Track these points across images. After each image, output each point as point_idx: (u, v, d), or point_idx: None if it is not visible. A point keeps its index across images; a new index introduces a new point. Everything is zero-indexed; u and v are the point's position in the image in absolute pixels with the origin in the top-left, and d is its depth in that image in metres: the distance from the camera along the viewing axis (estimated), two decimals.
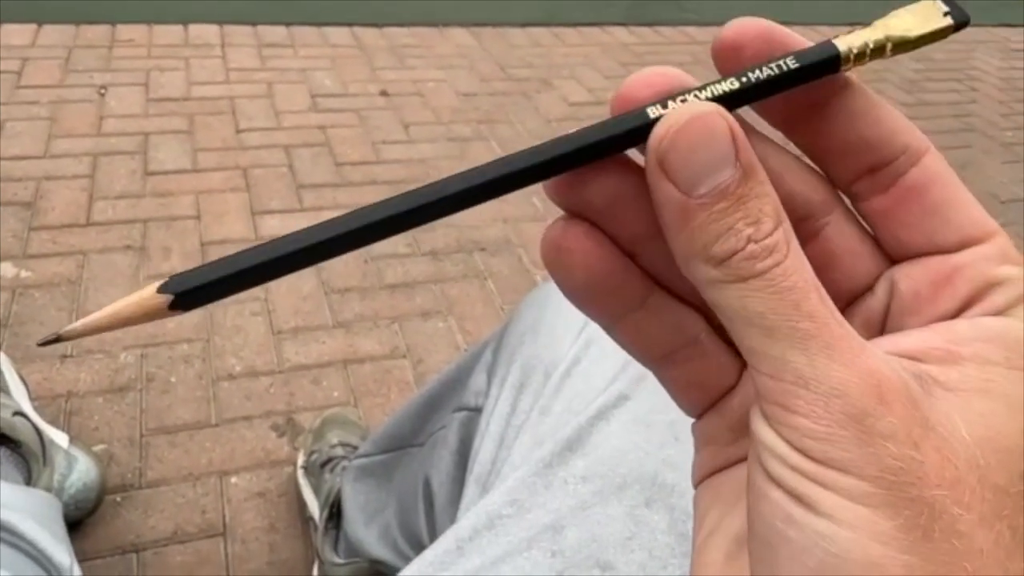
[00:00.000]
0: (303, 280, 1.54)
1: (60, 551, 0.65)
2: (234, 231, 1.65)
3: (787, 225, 0.17)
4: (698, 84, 0.20)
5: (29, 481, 0.94)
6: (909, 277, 0.20)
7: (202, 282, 0.19)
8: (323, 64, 2.40)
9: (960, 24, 0.20)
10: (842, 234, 0.21)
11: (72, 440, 1.08)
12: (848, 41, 0.20)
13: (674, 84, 0.20)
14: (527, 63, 2.62)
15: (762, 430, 0.17)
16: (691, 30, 3.12)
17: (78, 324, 0.19)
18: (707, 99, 0.19)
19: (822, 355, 0.16)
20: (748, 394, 0.22)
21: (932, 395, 0.16)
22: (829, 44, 0.20)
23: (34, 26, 2.36)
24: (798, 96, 0.20)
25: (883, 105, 0.20)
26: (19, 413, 0.95)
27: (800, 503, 0.16)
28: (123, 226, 1.62)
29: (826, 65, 0.20)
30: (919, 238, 0.20)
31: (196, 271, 0.19)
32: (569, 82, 2.53)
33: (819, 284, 0.17)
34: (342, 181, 1.86)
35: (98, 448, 1.17)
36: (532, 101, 2.37)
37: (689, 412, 0.24)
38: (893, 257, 0.21)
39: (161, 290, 0.19)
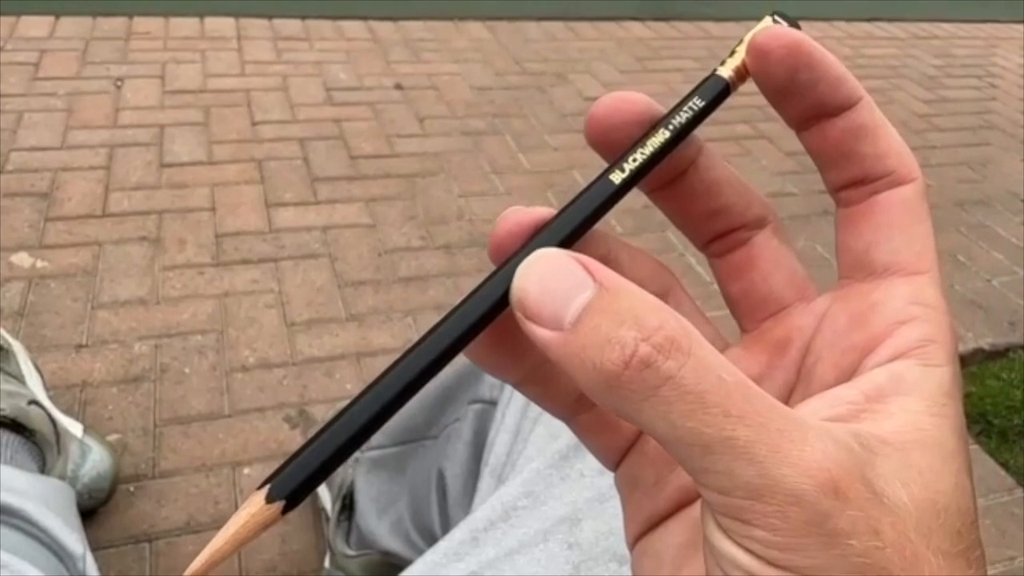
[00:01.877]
0: (317, 272, 1.55)
1: (73, 539, 0.65)
2: (248, 223, 1.65)
3: (681, 320, 0.16)
4: (664, 111, 0.22)
5: (43, 470, 0.94)
6: (834, 308, 0.21)
7: (303, 479, 0.19)
8: (338, 57, 2.39)
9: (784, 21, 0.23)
10: (771, 247, 0.22)
11: (86, 429, 1.09)
12: (727, 68, 0.22)
13: (640, 110, 0.21)
14: (542, 57, 2.61)
15: (721, 543, 0.16)
16: (708, 25, 3.10)
17: (202, 557, 0.17)
18: (652, 152, 0.21)
19: (769, 461, 0.15)
20: None
21: (874, 452, 0.16)
22: (716, 76, 0.22)
23: (52, 18, 2.37)
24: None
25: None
26: (34, 402, 0.96)
27: None
28: (138, 217, 1.62)
29: (723, 94, 0.22)
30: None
31: (292, 470, 0.19)
32: (584, 76, 2.52)
33: (739, 373, 0.16)
34: (356, 174, 1.86)
35: (112, 438, 1.17)
36: (547, 95, 2.37)
37: (608, 461, 0.23)
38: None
39: (269, 500, 0.18)
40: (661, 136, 0.21)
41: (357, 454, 1.02)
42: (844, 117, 0.21)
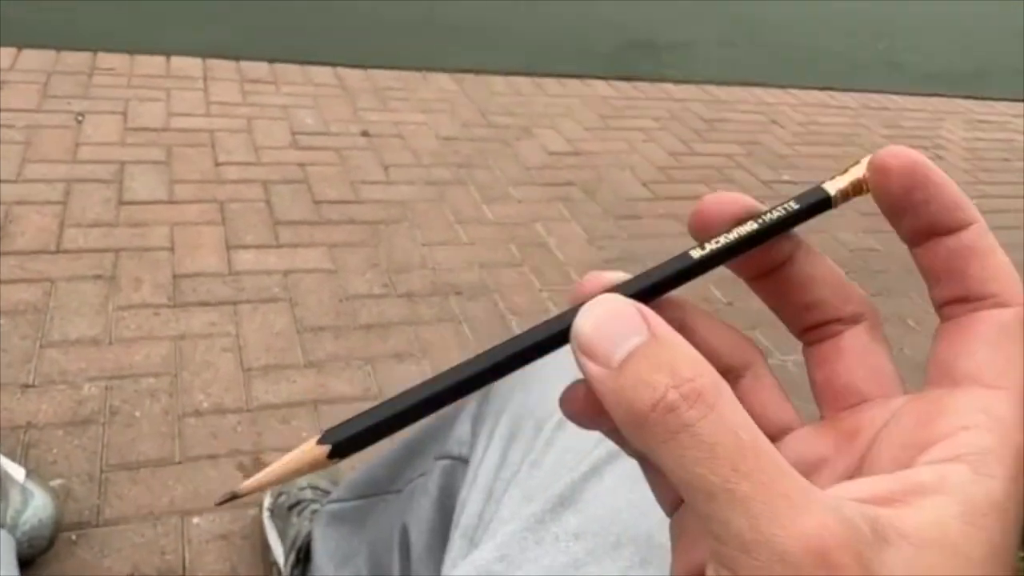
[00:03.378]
0: (276, 316, 1.52)
1: None
2: (208, 264, 1.63)
3: (715, 378, 0.17)
4: (765, 208, 0.24)
5: None
6: (906, 406, 0.21)
7: (353, 433, 0.22)
8: (305, 102, 2.40)
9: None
10: (861, 343, 0.23)
11: (29, 474, 1.05)
12: (834, 183, 0.24)
13: (742, 207, 0.23)
14: (508, 111, 2.65)
15: None
16: (668, 86, 3.18)
17: (253, 481, 0.21)
18: (736, 238, 0.23)
19: (764, 518, 0.16)
20: None
21: (886, 540, 0.16)
22: (819, 188, 0.24)
23: (14, 50, 2.34)
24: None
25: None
26: None
27: None
28: (94, 255, 1.59)
29: (822, 205, 0.23)
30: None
31: (349, 423, 0.22)
32: (548, 131, 2.56)
33: (760, 434, 0.17)
34: (320, 219, 1.85)
35: (55, 483, 1.13)
36: (512, 148, 2.40)
37: (665, 505, 0.24)
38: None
39: (320, 442, 0.22)
40: (749, 227, 0.23)
41: (313, 505, 1.00)
42: (955, 237, 0.22)
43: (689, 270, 0.23)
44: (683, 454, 0.16)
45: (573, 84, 3.00)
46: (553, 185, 2.23)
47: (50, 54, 2.37)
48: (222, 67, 2.51)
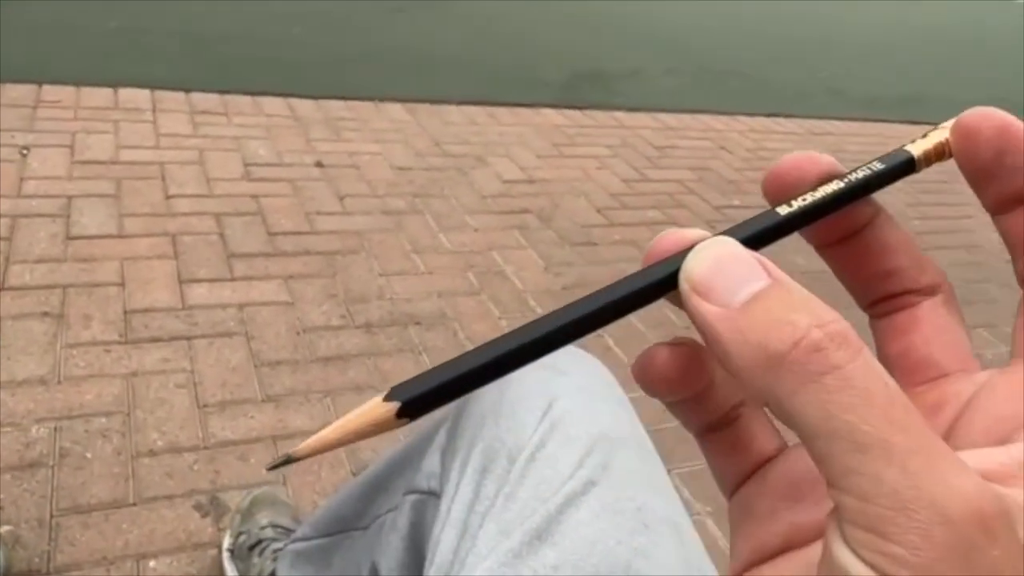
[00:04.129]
0: (231, 351, 1.50)
1: None
2: (160, 299, 1.59)
3: (853, 332, 0.16)
4: (844, 169, 0.23)
5: None
6: (995, 379, 0.20)
7: (426, 389, 0.19)
8: (258, 133, 2.38)
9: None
10: (938, 314, 0.22)
11: None
12: (916, 146, 0.23)
13: (824, 169, 0.22)
14: (462, 140, 2.66)
15: (844, 556, 0.15)
16: (619, 114, 3.23)
17: (311, 441, 0.19)
18: (822, 197, 0.21)
19: (924, 474, 0.14)
20: (791, 464, 0.22)
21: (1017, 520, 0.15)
22: (903, 150, 0.23)
23: None
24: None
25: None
26: None
27: None
28: (41, 292, 1.55)
29: (906, 166, 0.22)
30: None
31: (419, 378, 0.19)
32: (503, 160, 2.57)
33: (906, 399, 0.15)
34: (275, 251, 1.83)
35: (3, 530, 1.09)
36: (467, 177, 2.40)
37: (728, 484, 0.23)
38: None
39: (387, 398, 0.19)
40: (834, 186, 0.22)
41: (275, 544, 0.98)
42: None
43: (777, 227, 0.21)
44: (829, 399, 0.15)
45: (525, 113, 3.03)
46: (509, 213, 2.24)
47: None
48: (172, 98, 2.48)
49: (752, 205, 2.64)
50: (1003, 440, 0.18)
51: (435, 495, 0.59)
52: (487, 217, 2.18)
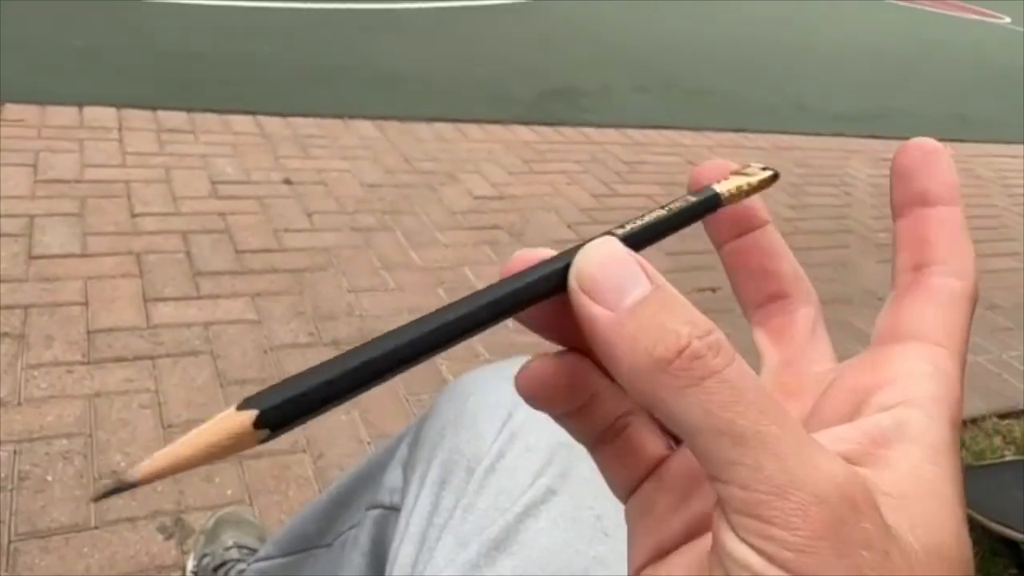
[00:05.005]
0: (197, 370, 1.48)
1: None
2: (124, 319, 1.57)
3: (725, 341, 0.18)
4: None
5: None
6: (852, 361, 0.22)
7: (285, 397, 0.17)
8: (225, 151, 2.36)
9: (775, 175, 0.27)
10: (812, 322, 0.25)
11: None
12: (724, 186, 0.26)
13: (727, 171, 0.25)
14: (432, 156, 2.67)
15: (732, 544, 0.16)
16: (589, 130, 3.25)
17: (156, 459, 0.16)
18: (648, 222, 0.23)
19: (796, 459, 0.16)
20: (687, 459, 0.22)
21: (890, 505, 0.17)
22: (710, 188, 0.25)
23: None
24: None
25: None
26: None
27: None
28: (1, 312, 1.52)
29: (712, 202, 0.25)
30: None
31: (280, 385, 0.17)
32: (473, 176, 2.58)
33: (773, 396, 0.17)
34: (242, 269, 1.81)
35: None
36: (437, 193, 2.40)
37: (623, 489, 0.24)
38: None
39: (242, 407, 0.16)
40: (658, 213, 0.24)
41: (240, 565, 0.96)
42: (936, 209, 0.22)
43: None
44: (709, 399, 0.16)
45: (495, 129, 3.04)
46: (479, 229, 2.24)
47: None
48: (138, 117, 2.46)
49: None
50: (856, 408, 0.20)
51: (397, 509, 0.58)
52: (458, 233, 2.18)
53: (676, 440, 0.23)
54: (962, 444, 1.72)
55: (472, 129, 2.99)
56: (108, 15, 3.55)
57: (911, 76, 6.03)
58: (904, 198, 0.23)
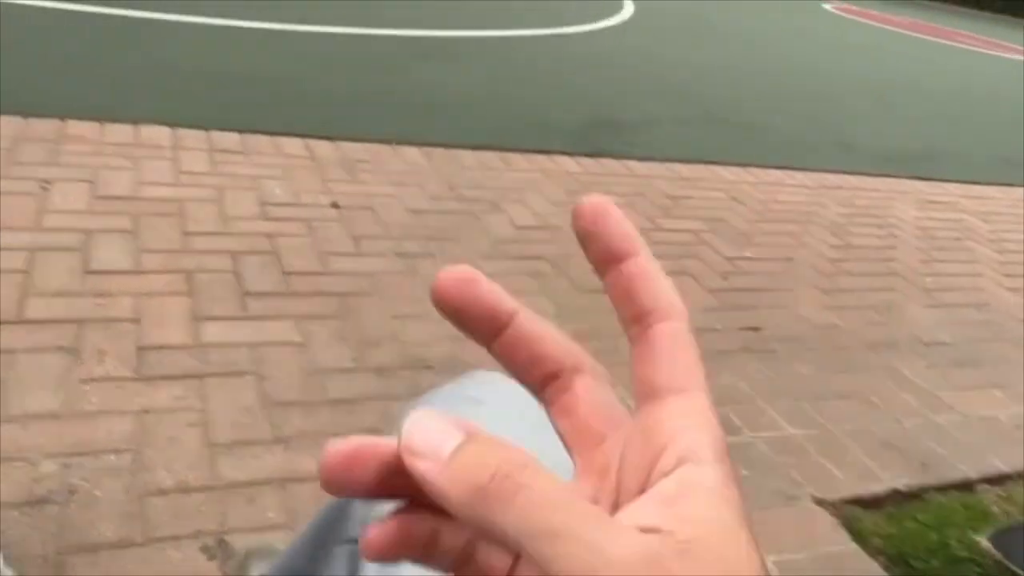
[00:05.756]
0: (243, 391, 1.50)
1: None
2: (174, 336, 1.60)
3: (530, 457, 0.21)
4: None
5: None
6: (632, 432, 0.25)
7: None
8: (275, 173, 2.41)
9: None
10: (591, 391, 0.27)
11: (5, 558, 1.00)
12: None
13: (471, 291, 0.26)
14: (476, 184, 2.69)
15: None
16: (632, 163, 3.25)
17: None
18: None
19: (601, 544, 0.19)
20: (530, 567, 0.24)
21: (681, 553, 0.20)
22: None
23: None
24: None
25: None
26: None
27: None
28: (57, 325, 1.55)
29: None
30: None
31: None
32: (516, 205, 2.59)
33: (571, 491, 0.21)
34: (288, 291, 1.84)
35: (7, 573, 1.08)
36: (481, 222, 2.42)
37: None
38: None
39: None
40: None
41: None
42: (628, 263, 0.26)
43: None
44: (524, 507, 0.19)
45: (539, 159, 3.06)
46: (522, 259, 2.25)
47: (17, 120, 2.35)
48: (192, 136, 2.51)
49: (765, 257, 2.65)
50: (645, 485, 0.23)
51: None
52: (501, 263, 2.19)
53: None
54: (1009, 499, 1.68)
55: (516, 158, 3.01)
56: (165, 36, 3.65)
57: (957, 116, 5.96)
58: (598, 259, 0.26)
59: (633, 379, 0.25)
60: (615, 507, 0.24)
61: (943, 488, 1.68)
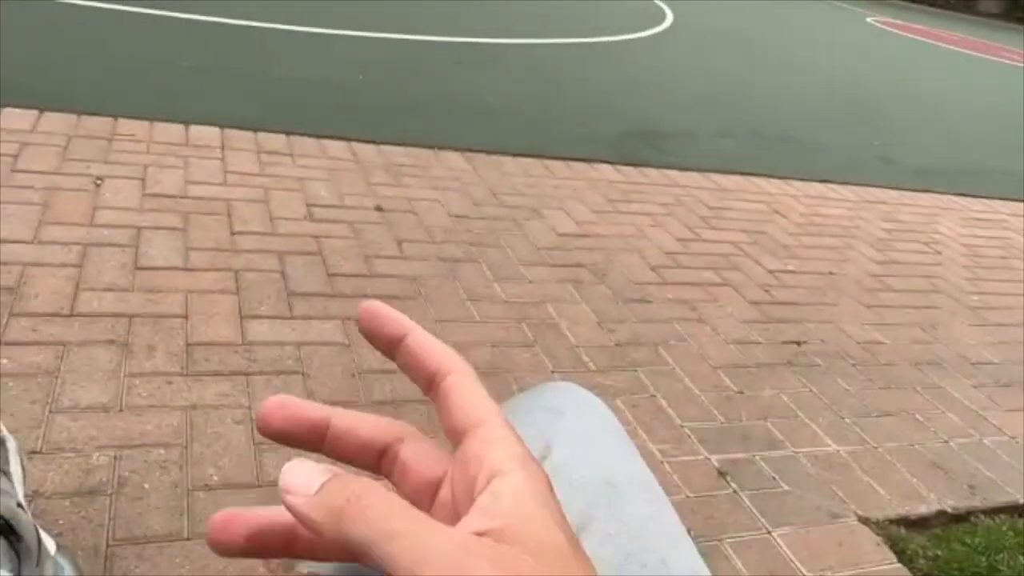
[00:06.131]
0: (288, 389, 1.51)
1: None
2: (221, 334, 1.62)
3: (376, 487, 0.25)
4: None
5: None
6: (453, 471, 0.29)
7: None
8: (320, 175, 2.43)
9: None
10: (416, 451, 0.31)
11: (60, 548, 1.02)
12: None
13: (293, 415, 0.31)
14: (518, 191, 2.69)
15: None
16: (673, 173, 3.24)
17: None
18: None
19: (425, 543, 0.23)
20: None
21: (499, 542, 0.24)
22: None
23: (36, 112, 2.38)
24: (387, 340, 0.32)
25: (427, 341, 0.32)
26: (21, 505, 0.90)
27: None
28: (108, 320, 1.58)
29: None
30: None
31: None
32: (558, 213, 2.59)
33: (409, 506, 0.25)
34: (333, 292, 1.85)
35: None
36: (522, 228, 2.42)
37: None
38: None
39: None
40: None
41: None
42: (406, 343, 0.31)
43: None
44: (371, 519, 0.24)
45: (580, 167, 3.05)
46: (563, 266, 2.25)
47: (71, 118, 2.40)
48: (240, 137, 2.54)
49: (805, 271, 2.62)
50: (469, 506, 0.27)
51: None
52: (542, 269, 2.19)
53: None
54: None
55: (558, 165, 3.01)
56: (215, 39, 3.71)
57: (1003, 133, 5.86)
58: (384, 348, 0.32)
59: (443, 430, 0.30)
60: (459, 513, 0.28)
61: (992, 511, 1.65)
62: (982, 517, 1.62)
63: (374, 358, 1.66)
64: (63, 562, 0.98)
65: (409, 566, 0.23)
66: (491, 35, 5.10)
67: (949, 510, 1.62)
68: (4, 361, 1.42)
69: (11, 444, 1.05)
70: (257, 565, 1.17)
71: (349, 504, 0.24)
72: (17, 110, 2.36)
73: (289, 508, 0.26)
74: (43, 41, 3.15)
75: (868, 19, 11.88)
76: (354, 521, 0.24)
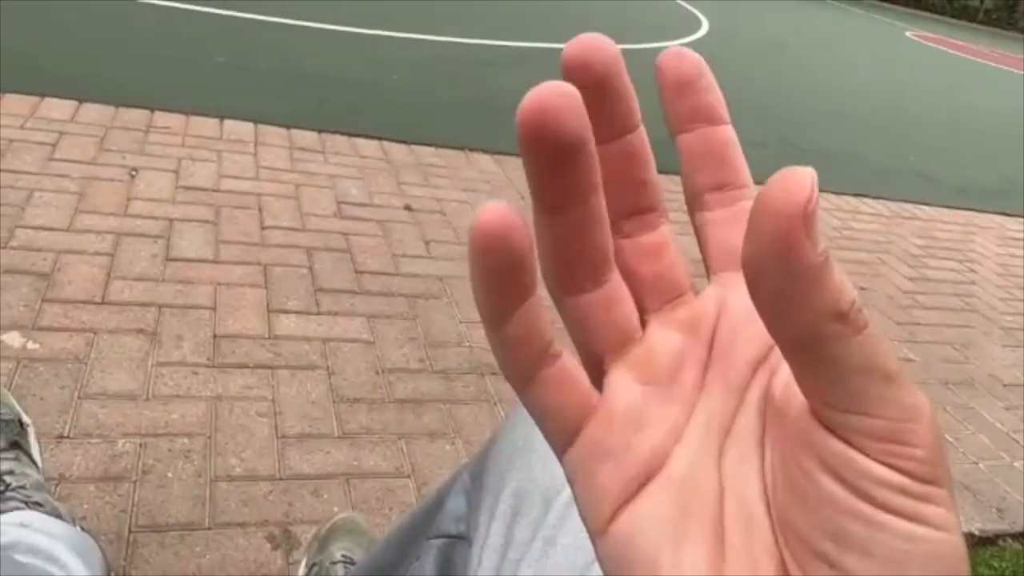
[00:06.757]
0: (313, 384, 1.52)
1: None
2: (248, 327, 1.63)
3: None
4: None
5: None
6: (730, 298, 0.24)
7: None
8: (351, 173, 2.44)
9: None
10: (672, 238, 0.25)
11: (83, 531, 1.03)
12: None
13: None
14: None
15: (873, 467, 0.19)
16: None
17: None
18: None
19: (913, 391, 0.19)
20: (630, 394, 0.23)
21: None
22: None
23: (75, 102, 2.41)
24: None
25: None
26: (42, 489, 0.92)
27: (920, 523, 0.18)
28: (138, 309, 1.60)
29: None
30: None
31: None
32: None
33: None
34: (360, 289, 1.86)
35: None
36: None
37: (562, 434, 0.24)
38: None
39: None
40: None
41: None
42: (722, 129, 0.25)
43: None
44: (872, 344, 0.19)
45: None
46: None
47: (109, 109, 2.44)
48: (273, 133, 2.57)
49: None
50: (766, 351, 0.22)
51: (462, 538, 0.57)
52: None
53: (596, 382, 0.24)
54: None
55: None
56: (251, 35, 3.74)
57: None
58: (686, 112, 0.24)
59: (711, 246, 0.25)
60: (703, 364, 0.24)
61: (1020, 535, 1.61)
62: (1010, 541, 1.58)
63: (398, 356, 1.66)
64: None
65: (898, 423, 0.19)
66: (523, 39, 5.11)
67: (977, 533, 1.59)
68: (36, 346, 1.44)
69: (31, 431, 1.06)
70: (276, 557, 1.18)
71: (853, 312, 0.18)
72: (56, 100, 2.39)
73: (801, 259, 0.18)
74: (84, 34, 3.20)
75: (907, 33, 11.75)
76: (851, 338, 0.18)
